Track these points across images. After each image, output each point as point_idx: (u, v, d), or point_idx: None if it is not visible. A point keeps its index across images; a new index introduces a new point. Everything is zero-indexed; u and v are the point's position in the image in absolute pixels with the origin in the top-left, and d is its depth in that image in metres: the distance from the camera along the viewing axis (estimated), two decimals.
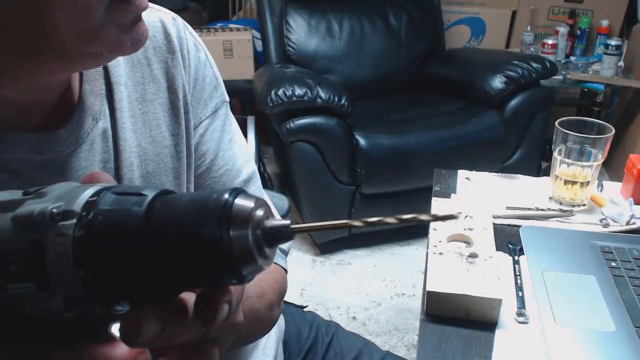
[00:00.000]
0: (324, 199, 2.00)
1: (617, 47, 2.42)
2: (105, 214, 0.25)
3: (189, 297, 0.27)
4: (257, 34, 2.49)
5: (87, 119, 0.50)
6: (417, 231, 2.13)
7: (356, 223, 0.26)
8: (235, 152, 0.63)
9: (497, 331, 0.65)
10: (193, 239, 0.24)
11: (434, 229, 0.77)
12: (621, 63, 2.57)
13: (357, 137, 1.97)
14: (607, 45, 2.44)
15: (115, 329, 0.27)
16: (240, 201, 0.25)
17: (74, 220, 0.25)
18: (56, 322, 0.26)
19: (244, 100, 2.56)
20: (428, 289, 0.66)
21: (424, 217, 0.27)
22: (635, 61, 2.53)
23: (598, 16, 2.70)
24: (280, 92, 1.88)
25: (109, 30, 0.40)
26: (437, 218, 0.27)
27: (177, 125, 0.57)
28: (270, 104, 1.88)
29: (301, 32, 2.38)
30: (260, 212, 0.25)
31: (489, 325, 0.65)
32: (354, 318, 1.83)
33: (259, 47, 2.52)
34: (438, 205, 0.86)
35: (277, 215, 0.27)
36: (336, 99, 1.92)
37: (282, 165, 2.41)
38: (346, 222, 0.26)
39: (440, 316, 0.67)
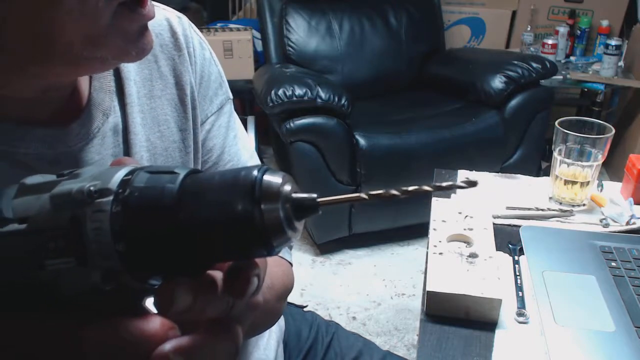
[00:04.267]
0: None
1: (617, 47, 2.42)
2: (141, 190, 0.26)
3: (217, 273, 0.28)
4: (257, 34, 2.49)
5: (98, 114, 0.50)
6: (417, 231, 2.13)
7: (363, 196, 0.28)
8: (240, 148, 0.65)
9: (497, 331, 0.65)
10: (227, 213, 0.25)
11: (434, 229, 0.77)
12: (621, 63, 2.58)
13: (357, 137, 1.97)
14: (607, 45, 2.44)
15: (148, 303, 0.28)
16: (269, 177, 0.26)
17: (111, 197, 0.26)
18: (93, 296, 0.27)
19: (244, 100, 2.57)
20: (428, 289, 0.66)
21: (426, 187, 0.27)
22: (635, 61, 2.53)
23: (598, 16, 2.70)
24: (280, 92, 1.88)
25: (115, 37, 0.41)
26: (439, 187, 0.27)
27: (185, 121, 0.58)
28: (270, 104, 1.89)
29: (301, 32, 2.38)
30: (288, 187, 0.26)
31: (489, 325, 0.66)
32: (354, 318, 1.83)
33: (259, 47, 2.52)
34: (438, 205, 0.85)
35: None
36: (336, 99, 1.92)
37: (282, 165, 2.41)
38: (358, 195, 0.28)
39: (440, 316, 0.67)
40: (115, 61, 0.44)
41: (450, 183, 0.27)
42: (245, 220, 0.25)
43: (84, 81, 0.51)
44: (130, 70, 0.54)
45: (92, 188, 0.26)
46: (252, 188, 0.25)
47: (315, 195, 0.27)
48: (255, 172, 0.26)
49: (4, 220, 0.27)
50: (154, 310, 0.27)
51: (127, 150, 0.53)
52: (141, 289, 0.28)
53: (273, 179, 0.26)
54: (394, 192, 0.27)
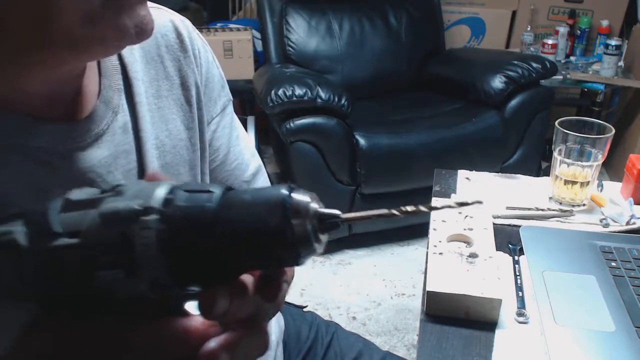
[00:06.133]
0: (324, 199, 1.95)
1: (617, 47, 2.42)
2: (183, 210, 0.29)
3: (247, 277, 0.31)
4: (257, 34, 2.49)
5: (108, 112, 0.52)
6: (417, 231, 2.13)
7: (394, 212, 0.31)
8: (243, 148, 0.68)
9: (497, 331, 0.65)
10: (261, 229, 0.28)
11: (434, 229, 0.77)
12: (621, 63, 2.58)
13: (357, 137, 1.97)
14: (607, 45, 2.44)
15: (188, 305, 0.32)
16: (297, 195, 0.29)
17: (156, 216, 0.29)
18: (140, 302, 0.30)
19: (244, 100, 2.56)
20: (428, 289, 0.66)
21: (427, 206, 0.31)
22: (635, 61, 2.53)
23: (598, 16, 2.70)
24: (280, 92, 1.88)
25: (112, 12, 0.41)
26: (462, 204, 0.31)
27: (191, 120, 0.60)
28: (270, 104, 1.89)
29: (301, 32, 2.38)
30: (315, 205, 0.30)
31: (489, 325, 0.66)
32: (354, 318, 1.83)
33: (259, 47, 2.52)
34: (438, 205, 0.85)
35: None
36: (336, 99, 1.92)
37: (282, 165, 2.41)
38: (387, 211, 0.31)
39: (440, 316, 0.67)
40: (116, 43, 0.44)
41: (468, 201, 0.31)
42: (277, 235, 0.28)
43: (93, 79, 0.52)
44: (138, 70, 0.55)
45: (138, 207, 0.29)
46: (284, 206, 0.28)
47: (339, 212, 0.30)
48: (285, 191, 0.29)
49: (54, 235, 0.30)
50: (193, 312, 0.31)
51: (139, 147, 0.54)
52: (182, 295, 0.31)
53: (301, 197, 0.29)
54: (422, 207, 0.30)
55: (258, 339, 0.32)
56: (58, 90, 0.47)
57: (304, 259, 0.29)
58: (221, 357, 0.30)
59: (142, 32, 0.44)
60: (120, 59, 0.54)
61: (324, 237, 0.30)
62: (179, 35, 0.59)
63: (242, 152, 0.68)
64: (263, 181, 0.72)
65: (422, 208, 0.31)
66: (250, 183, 0.70)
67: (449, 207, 0.32)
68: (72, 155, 0.48)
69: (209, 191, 0.29)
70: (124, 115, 0.53)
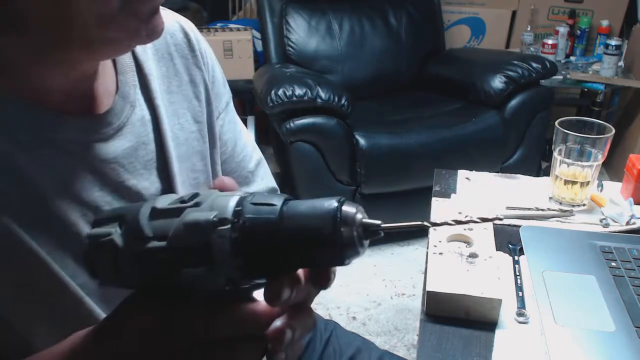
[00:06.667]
0: None
1: (617, 47, 2.42)
2: (251, 220, 0.34)
3: (300, 271, 0.37)
4: (257, 34, 2.49)
5: (126, 106, 0.55)
6: (417, 231, 2.12)
7: (426, 223, 0.37)
8: (245, 141, 0.74)
9: (497, 331, 0.65)
10: (316, 236, 0.34)
11: (434, 229, 0.77)
12: (621, 63, 2.58)
13: (357, 137, 1.97)
14: (607, 45, 2.44)
15: (254, 294, 0.38)
16: (346, 207, 0.34)
17: (229, 226, 0.34)
18: (216, 293, 0.37)
19: (244, 100, 2.56)
20: (428, 289, 0.66)
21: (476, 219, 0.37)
22: (635, 61, 2.53)
23: (598, 16, 2.70)
24: (280, 92, 1.88)
25: (126, 17, 0.43)
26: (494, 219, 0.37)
27: (200, 114, 0.64)
28: (270, 104, 1.89)
29: (301, 32, 2.38)
30: (360, 215, 0.35)
31: (489, 325, 0.66)
32: (354, 318, 1.83)
33: (259, 47, 2.52)
34: (438, 205, 0.86)
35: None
36: (336, 99, 1.92)
37: (282, 165, 2.41)
38: (420, 223, 0.37)
39: (440, 316, 0.67)
40: (127, 42, 0.47)
41: (489, 217, 0.37)
42: (329, 241, 0.33)
43: (110, 77, 0.55)
44: (152, 67, 0.59)
45: (214, 219, 0.35)
46: (335, 217, 0.33)
47: (380, 222, 0.35)
48: (335, 204, 0.34)
49: (147, 239, 0.36)
50: (257, 298, 0.37)
51: (159, 139, 0.58)
52: (249, 285, 0.37)
53: (349, 209, 0.34)
54: (450, 221, 0.36)
55: (309, 318, 0.38)
56: (76, 88, 0.50)
57: (349, 260, 0.35)
58: (287, 333, 0.35)
59: (153, 33, 0.47)
60: (135, 57, 0.57)
61: (366, 243, 0.35)
62: (186, 35, 0.63)
63: (245, 144, 0.73)
64: (264, 171, 0.77)
65: (450, 222, 0.36)
66: (254, 172, 0.74)
67: (474, 221, 0.37)
68: (96, 147, 0.52)
69: (271, 204, 0.35)
70: (141, 109, 0.57)
